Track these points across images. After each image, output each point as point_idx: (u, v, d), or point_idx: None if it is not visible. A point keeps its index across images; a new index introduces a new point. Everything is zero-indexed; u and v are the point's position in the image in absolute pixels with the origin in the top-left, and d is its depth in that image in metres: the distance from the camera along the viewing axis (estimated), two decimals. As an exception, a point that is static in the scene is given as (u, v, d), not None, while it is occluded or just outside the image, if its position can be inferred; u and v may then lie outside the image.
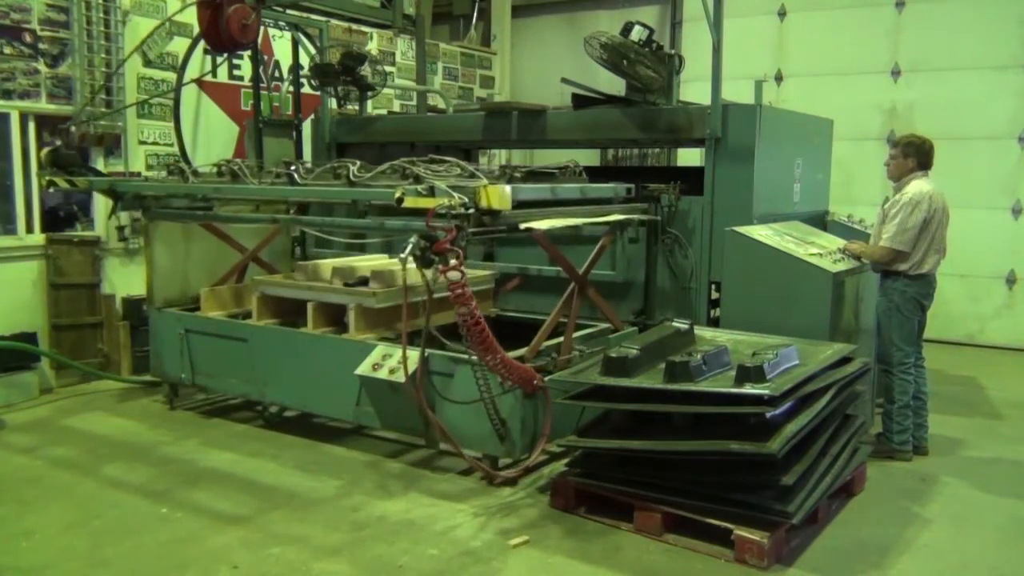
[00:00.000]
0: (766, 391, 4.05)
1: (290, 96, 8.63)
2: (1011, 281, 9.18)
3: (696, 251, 6.07)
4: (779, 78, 10.30)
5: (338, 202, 5.72)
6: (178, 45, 7.88)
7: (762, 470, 4.12)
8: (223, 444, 5.78)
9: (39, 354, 6.88)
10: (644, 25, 6.04)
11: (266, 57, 8.68)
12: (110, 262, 7.48)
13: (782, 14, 10.30)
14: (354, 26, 9.71)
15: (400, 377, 5.01)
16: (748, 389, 4.12)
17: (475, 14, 12.23)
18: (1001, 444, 6.02)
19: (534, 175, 5.37)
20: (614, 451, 4.55)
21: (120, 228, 7.43)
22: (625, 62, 5.97)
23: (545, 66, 11.55)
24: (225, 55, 7.85)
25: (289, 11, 7.92)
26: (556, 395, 4.92)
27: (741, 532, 4.09)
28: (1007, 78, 9.03)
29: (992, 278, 9.26)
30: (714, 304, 5.98)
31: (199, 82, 8.02)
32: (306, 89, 8.35)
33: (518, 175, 5.21)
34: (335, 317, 5.92)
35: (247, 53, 8.08)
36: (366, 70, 7.61)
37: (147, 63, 7.69)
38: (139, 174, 7.47)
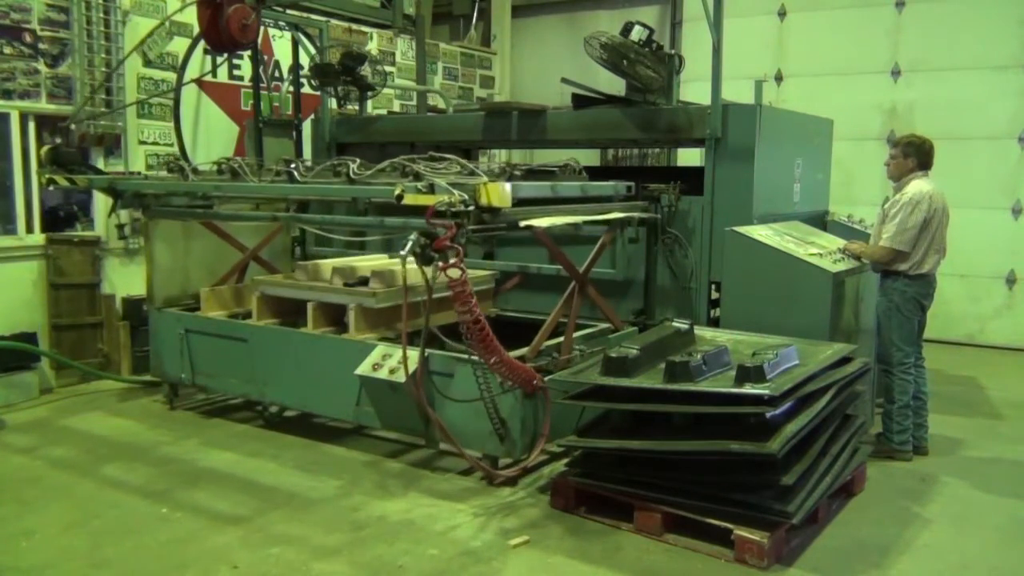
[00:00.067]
0: (766, 391, 4.05)
1: (290, 96, 8.62)
2: (1011, 281, 9.18)
3: (696, 251, 6.06)
4: (779, 78, 10.30)
5: (338, 200, 5.73)
6: (178, 45, 7.89)
7: (762, 470, 4.12)
8: (223, 444, 5.78)
9: (39, 354, 6.88)
10: (644, 25, 6.04)
11: (266, 57, 8.67)
12: (110, 262, 7.48)
13: (782, 14, 10.30)
14: (354, 26, 9.70)
15: (400, 377, 5.01)
16: (748, 389, 4.12)
17: (475, 14, 12.21)
18: (1001, 444, 6.02)
19: (534, 173, 5.37)
20: (614, 451, 4.54)
21: (120, 227, 7.42)
22: (625, 62, 5.97)
23: (545, 66, 11.54)
24: (225, 55, 7.83)
25: (289, 11, 7.91)
26: (556, 395, 4.92)
27: (741, 532, 4.09)
28: (1007, 78, 9.03)
29: (992, 278, 9.26)
30: (714, 304, 5.98)
31: (199, 82, 8.02)
32: (306, 89, 8.35)
33: (518, 173, 5.21)
34: (335, 317, 5.92)
35: (247, 53, 8.08)
36: (366, 70, 7.60)
37: (147, 63, 7.69)
38: (139, 174, 7.45)
